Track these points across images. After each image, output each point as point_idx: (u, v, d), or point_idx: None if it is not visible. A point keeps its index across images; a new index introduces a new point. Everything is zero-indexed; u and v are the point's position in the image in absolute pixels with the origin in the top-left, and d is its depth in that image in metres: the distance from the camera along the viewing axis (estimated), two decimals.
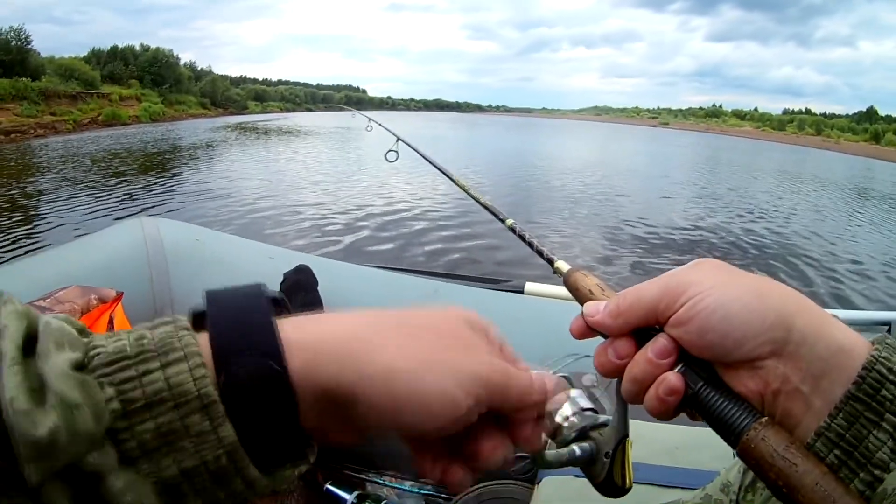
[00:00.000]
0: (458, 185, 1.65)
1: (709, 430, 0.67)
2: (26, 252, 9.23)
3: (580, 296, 0.83)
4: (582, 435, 0.78)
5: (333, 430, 0.57)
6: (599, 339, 0.75)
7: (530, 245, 1.11)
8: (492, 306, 2.79)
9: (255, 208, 14.35)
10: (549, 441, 0.80)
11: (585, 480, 0.80)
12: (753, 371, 0.63)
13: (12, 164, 23.03)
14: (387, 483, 2.78)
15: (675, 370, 0.67)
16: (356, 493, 2.58)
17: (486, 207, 1.41)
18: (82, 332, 0.51)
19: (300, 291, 2.59)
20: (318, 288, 2.64)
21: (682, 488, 1.60)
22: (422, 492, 2.76)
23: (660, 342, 0.68)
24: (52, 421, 0.42)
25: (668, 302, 0.67)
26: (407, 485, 2.78)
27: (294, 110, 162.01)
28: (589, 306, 0.75)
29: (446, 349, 0.60)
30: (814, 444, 0.59)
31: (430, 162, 1.93)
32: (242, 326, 0.53)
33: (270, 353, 0.51)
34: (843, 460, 0.57)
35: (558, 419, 0.79)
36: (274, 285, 2.60)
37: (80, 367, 0.46)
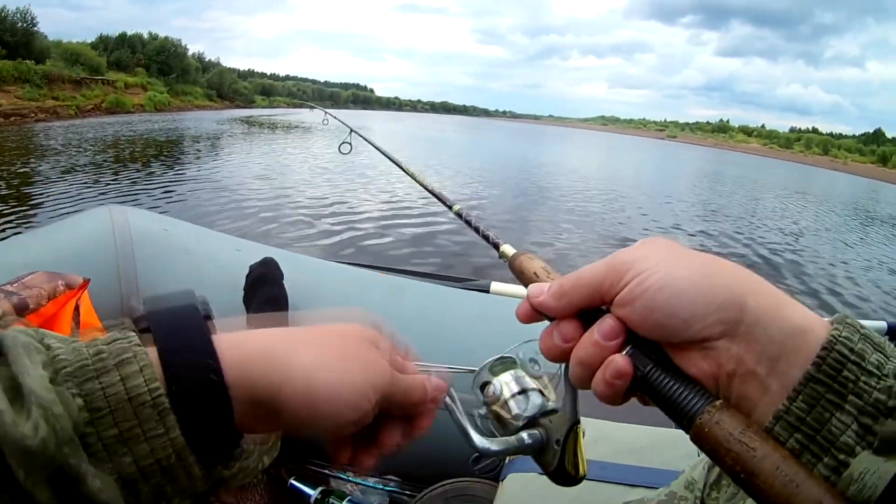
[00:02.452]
0: (408, 174, 1.67)
1: (676, 430, 0.65)
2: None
3: (525, 279, 0.83)
4: (531, 422, 0.79)
5: (262, 428, 0.65)
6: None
7: (476, 230, 1.14)
8: (457, 305, 2.83)
9: (235, 201, 14.38)
10: (498, 427, 0.83)
11: None
12: (705, 352, 0.62)
13: (11, 146, 22.97)
14: (351, 479, 2.81)
15: (623, 352, 0.66)
16: (320, 488, 2.59)
17: (433, 194, 1.43)
18: (41, 342, 0.56)
19: (265, 285, 2.58)
20: (284, 281, 2.63)
21: (648, 487, 1.63)
22: (386, 489, 2.79)
23: (606, 323, 0.66)
24: (42, 431, 0.48)
25: (613, 281, 0.66)
26: (371, 481, 2.81)
27: (301, 106, 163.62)
28: (533, 287, 0.74)
29: (350, 360, 0.69)
30: (773, 428, 0.57)
31: (381, 152, 1.98)
32: (186, 344, 0.60)
33: (212, 369, 0.59)
34: (805, 444, 0.56)
35: (505, 394, 0.82)
36: (240, 277, 2.62)
37: (46, 367, 0.53)
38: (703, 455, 0.63)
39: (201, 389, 0.57)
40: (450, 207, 1.31)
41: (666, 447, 1.80)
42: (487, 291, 3.13)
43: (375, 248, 10.89)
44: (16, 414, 0.48)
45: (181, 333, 0.61)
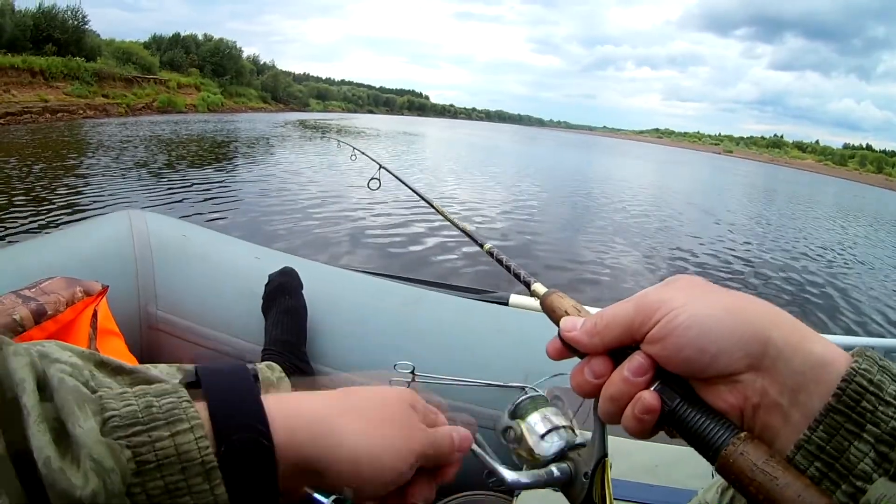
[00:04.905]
0: (438, 211, 1.66)
1: (689, 448, 0.67)
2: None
3: (557, 317, 0.82)
4: (560, 455, 0.82)
5: (302, 485, 0.71)
6: (577, 360, 0.75)
7: (507, 268, 1.11)
8: (475, 316, 2.82)
9: (262, 207, 14.37)
10: (527, 459, 0.86)
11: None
12: (731, 386, 0.63)
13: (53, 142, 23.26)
14: None
15: (652, 388, 0.67)
16: (333, 497, 2.43)
17: (464, 232, 1.42)
18: (87, 384, 0.59)
19: (285, 294, 2.57)
20: (303, 291, 2.62)
21: None
22: None
23: (636, 360, 0.68)
24: (94, 484, 0.50)
25: (643, 319, 0.67)
26: None
27: (356, 111, 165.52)
28: (566, 321, 0.76)
29: (393, 427, 0.75)
30: (794, 457, 0.59)
31: (411, 189, 1.97)
32: (237, 406, 0.63)
33: (262, 433, 0.61)
34: (825, 472, 0.57)
35: (532, 438, 0.85)
36: (259, 286, 2.62)
37: (101, 425, 0.54)
38: (716, 477, 0.66)
39: (250, 452, 0.60)
40: (481, 246, 1.28)
41: (679, 465, 1.84)
42: (506, 304, 3.18)
43: (397, 259, 10.81)
44: (64, 462, 0.49)
45: (232, 394, 0.64)
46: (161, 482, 0.54)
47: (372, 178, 2.40)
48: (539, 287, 0.93)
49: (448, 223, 1.54)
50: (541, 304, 0.88)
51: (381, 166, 2.37)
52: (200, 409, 0.60)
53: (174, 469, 0.55)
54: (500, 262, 1.17)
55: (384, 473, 0.70)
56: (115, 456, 0.52)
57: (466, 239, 1.37)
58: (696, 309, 0.65)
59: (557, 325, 0.79)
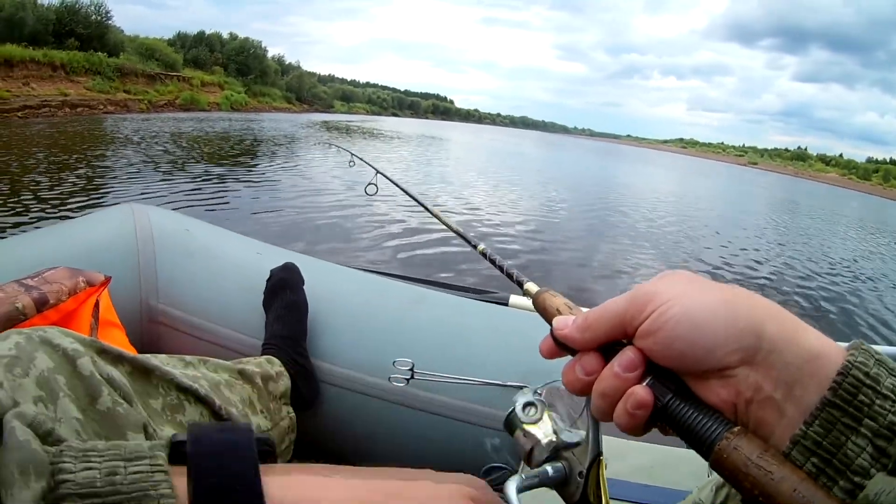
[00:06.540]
0: (433, 214, 1.66)
1: (686, 450, 0.65)
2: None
3: (549, 315, 0.83)
4: (555, 455, 0.80)
5: None
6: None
7: (500, 269, 1.13)
8: (475, 316, 2.80)
9: (272, 205, 14.33)
10: (522, 463, 0.86)
11: None
12: (724, 380, 0.62)
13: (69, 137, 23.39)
14: None
15: (643, 383, 0.66)
16: None
17: (458, 234, 1.44)
18: (48, 435, 0.51)
19: (286, 290, 2.55)
20: (305, 287, 2.61)
21: None
22: None
23: (626, 355, 0.67)
24: None
25: (634, 313, 0.66)
26: None
27: (380, 114, 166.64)
28: (558, 320, 0.76)
29: None
30: (790, 453, 0.58)
31: (406, 193, 1.98)
32: (227, 487, 0.50)
33: None
34: (822, 468, 0.56)
35: (536, 438, 0.82)
36: (260, 281, 2.61)
37: (45, 495, 0.44)
38: (712, 476, 0.69)
39: None
40: (474, 247, 1.31)
41: (674, 466, 1.84)
42: (506, 304, 3.19)
43: (399, 258, 10.84)
44: None
45: (224, 470, 0.52)
46: None
47: (369, 184, 2.43)
48: (531, 286, 0.95)
49: (446, 227, 1.52)
50: (533, 302, 0.90)
51: (377, 171, 2.39)
52: (178, 483, 0.50)
53: None
54: (493, 262, 1.17)
55: None
56: None
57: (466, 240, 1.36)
58: (688, 302, 0.64)
59: (550, 323, 0.79)
